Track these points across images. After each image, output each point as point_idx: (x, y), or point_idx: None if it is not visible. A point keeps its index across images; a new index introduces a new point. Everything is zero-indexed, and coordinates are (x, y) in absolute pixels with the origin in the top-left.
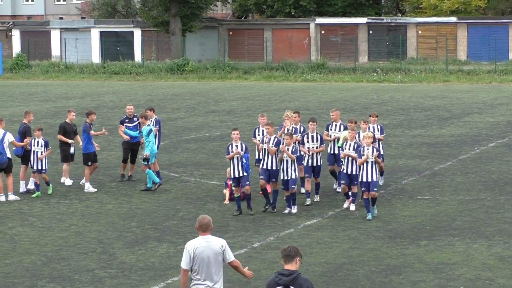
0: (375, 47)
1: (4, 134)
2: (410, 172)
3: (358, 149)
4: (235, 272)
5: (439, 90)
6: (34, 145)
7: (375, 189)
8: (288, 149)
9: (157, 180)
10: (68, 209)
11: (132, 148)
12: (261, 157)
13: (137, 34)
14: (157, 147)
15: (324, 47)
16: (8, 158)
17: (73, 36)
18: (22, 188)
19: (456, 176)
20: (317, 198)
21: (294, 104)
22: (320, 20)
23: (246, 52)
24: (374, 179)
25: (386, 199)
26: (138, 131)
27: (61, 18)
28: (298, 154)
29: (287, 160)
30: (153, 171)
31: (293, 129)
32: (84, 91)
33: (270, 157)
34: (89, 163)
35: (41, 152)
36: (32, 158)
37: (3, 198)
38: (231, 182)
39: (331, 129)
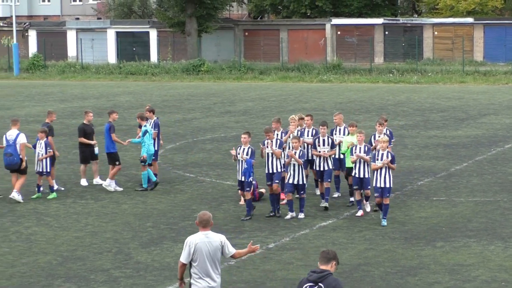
0: (391, 47)
1: (18, 135)
2: (426, 173)
3: (369, 152)
4: (250, 272)
5: (455, 91)
6: (38, 147)
7: (388, 195)
8: (295, 153)
9: (154, 178)
10: (84, 209)
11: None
12: (271, 170)
13: (153, 34)
14: (157, 149)
15: (340, 47)
16: (22, 159)
17: (89, 37)
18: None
19: (472, 177)
20: (325, 204)
21: (310, 105)
22: (336, 21)
23: (262, 53)
24: (388, 185)
25: (402, 200)
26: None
27: (77, 19)
28: (306, 158)
29: (294, 165)
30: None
31: (299, 133)
32: (100, 91)
33: (273, 160)
34: (117, 162)
35: (42, 154)
36: (36, 161)
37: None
38: (238, 187)
39: (335, 134)
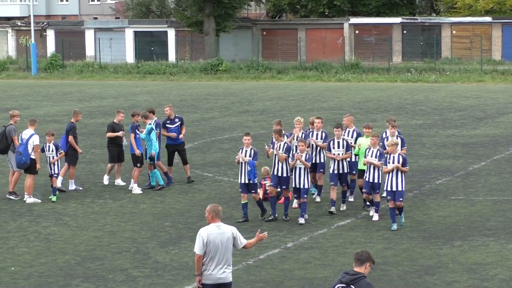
0: (409, 47)
1: (31, 136)
2: (444, 172)
3: (381, 156)
4: (269, 272)
5: (473, 90)
6: (46, 151)
7: (401, 199)
8: (301, 156)
9: (162, 182)
10: (102, 209)
11: (177, 149)
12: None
13: (171, 34)
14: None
15: (358, 47)
16: (32, 159)
17: (107, 36)
18: (71, 186)
19: (490, 177)
20: (343, 207)
21: (328, 104)
22: (354, 20)
23: (280, 52)
24: (400, 188)
25: (420, 199)
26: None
27: (95, 18)
28: (314, 161)
29: (299, 168)
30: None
31: (303, 135)
32: (118, 91)
33: (280, 163)
34: (138, 165)
35: (53, 156)
36: (48, 164)
37: (30, 200)
38: (240, 189)
39: (344, 135)
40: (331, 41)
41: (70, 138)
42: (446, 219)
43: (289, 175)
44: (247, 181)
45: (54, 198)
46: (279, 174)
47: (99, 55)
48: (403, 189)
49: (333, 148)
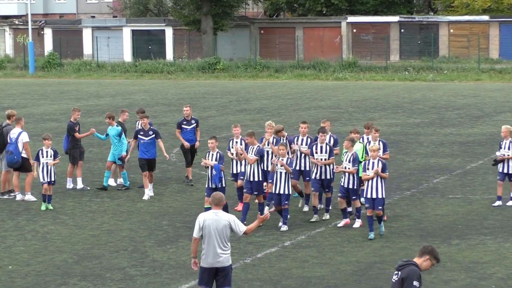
0: (406, 45)
1: (20, 134)
2: (441, 171)
3: (355, 161)
4: (266, 270)
5: (471, 89)
6: (42, 156)
7: (380, 207)
8: (282, 160)
9: (127, 184)
10: (99, 208)
11: (191, 150)
12: (235, 171)
13: (169, 32)
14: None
15: (355, 45)
16: (24, 157)
17: (105, 35)
18: (69, 185)
19: (488, 175)
20: (326, 216)
21: (326, 102)
22: (351, 19)
23: (277, 51)
24: (379, 195)
25: (418, 198)
26: (105, 135)
27: (93, 17)
28: (299, 168)
29: (280, 173)
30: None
31: (287, 140)
32: (115, 89)
33: (252, 168)
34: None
35: (47, 162)
36: (42, 170)
37: (19, 197)
38: (205, 194)
39: None
40: (328, 39)
41: (77, 135)
42: (443, 217)
43: (260, 179)
44: (213, 186)
45: (50, 206)
46: (251, 179)
47: (96, 53)
48: (383, 196)
49: (316, 152)
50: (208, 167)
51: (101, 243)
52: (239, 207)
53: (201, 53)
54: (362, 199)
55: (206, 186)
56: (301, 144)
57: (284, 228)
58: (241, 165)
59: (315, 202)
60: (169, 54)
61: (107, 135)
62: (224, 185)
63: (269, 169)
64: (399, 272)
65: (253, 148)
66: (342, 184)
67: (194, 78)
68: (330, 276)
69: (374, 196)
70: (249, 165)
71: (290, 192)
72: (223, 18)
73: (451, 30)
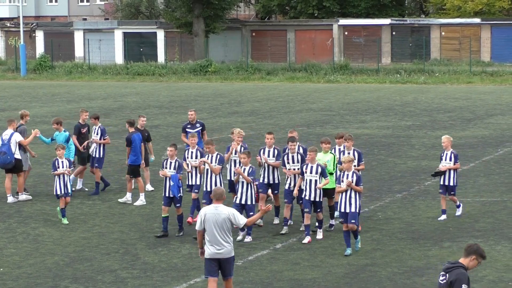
0: (398, 48)
1: (12, 135)
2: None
3: (324, 172)
4: (257, 273)
5: (462, 92)
6: (58, 167)
7: (353, 220)
8: (244, 170)
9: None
10: (91, 210)
11: None
12: (192, 182)
13: (160, 35)
14: (103, 156)
15: (347, 48)
16: (17, 158)
17: (97, 37)
18: (79, 186)
19: (479, 178)
20: (301, 228)
21: (317, 105)
22: (343, 21)
23: (269, 53)
24: (353, 209)
25: (409, 201)
26: (50, 139)
27: (85, 19)
28: (267, 182)
29: (242, 183)
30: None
31: (243, 149)
32: (107, 92)
33: (214, 177)
34: (131, 176)
35: (65, 173)
36: (57, 183)
37: (11, 199)
38: (163, 203)
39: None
40: (320, 42)
41: (74, 137)
42: (435, 220)
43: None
44: (171, 195)
45: (65, 220)
46: (209, 190)
47: (88, 56)
48: (357, 210)
49: (288, 163)
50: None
51: (92, 246)
52: (189, 219)
53: (193, 56)
54: (337, 213)
55: (163, 194)
56: (268, 156)
57: (248, 239)
58: (197, 176)
59: (286, 213)
60: (161, 57)
61: (52, 139)
62: (181, 194)
63: (233, 178)
64: (447, 275)
65: (213, 156)
66: (305, 197)
67: (185, 80)
68: (321, 278)
69: (347, 210)
70: (211, 175)
71: (254, 202)
72: (215, 21)
73: (443, 33)
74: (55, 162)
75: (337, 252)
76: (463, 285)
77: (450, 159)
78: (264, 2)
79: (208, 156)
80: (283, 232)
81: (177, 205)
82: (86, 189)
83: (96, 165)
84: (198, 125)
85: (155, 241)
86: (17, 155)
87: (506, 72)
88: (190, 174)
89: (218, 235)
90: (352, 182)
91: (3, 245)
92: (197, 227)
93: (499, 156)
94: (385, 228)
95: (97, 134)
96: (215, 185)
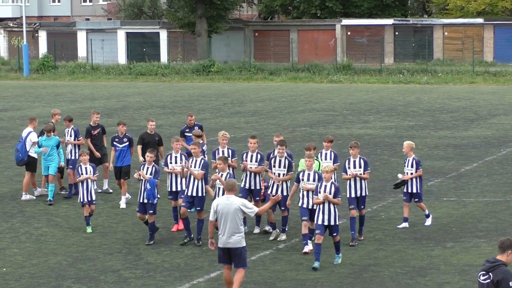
0: (401, 48)
1: (29, 133)
2: (436, 173)
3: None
4: (260, 273)
5: (465, 92)
6: (81, 173)
7: (334, 234)
8: (221, 175)
9: (51, 197)
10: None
11: None
12: (175, 188)
13: (163, 35)
14: (77, 157)
15: (350, 48)
16: (31, 156)
17: (99, 37)
18: (105, 186)
19: (482, 178)
20: (283, 237)
21: (320, 105)
22: (346, 21)
23: (272, 53)
24: (332, 222)
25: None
26: (37, 146)
27: (87, 19)
28: (249, 187)
29: (219, 188)
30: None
31: (231, 152)
32: (110, 92)
33: (196, 182)
34: (127, 177)
35: (91, 180)
36: (80, 190)
37: (28, 197)
38: (137, 209)
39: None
40: (323, 42)
41: (88, 141)
42: (437, 220)
43: (204, 195)
44: (145, 201)
45: (89, 229)
46: (193, 194)
47: (91, 56)
48: (337, 223)
49: (274, 166)
50: (142, 180)
51: (95, 245)
52: (174, 228)
53: (196, 56)
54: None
55: (138, 200)
56: (250, 160)
57: (283, 237)
58: (181, 182)
59: (271, 218)
60: (164, 57)
61: (39, 146)
62: (156, 201)
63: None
64: (490, 274)
65: (197, 161)
66: (304, 206)
67: (188, 80)
68: (324, 278)
69: (326, 222)
70: (193, 179)
71: None
72: (218, 21)
73: (446, 33)
74: (78, 168)
75: (340, 253)
76: (510, 283)
77: (412, 166)
78: (266, 2)
79: (192, 160)
80: (272, 238)
81: (150, 211)
82: (111, 191)
83: (71, 167)
84: (196, 128)
85: (158, 241)
86: (32, 154)
87: (509, 72)
88: (171, 180)
89: (229, 225)
90: (330, 193)
91: (6, 245)
92: (211, 217)
93: (502, 156)
94: (388, 228)
95: (70, 135)
96: (197, 190)
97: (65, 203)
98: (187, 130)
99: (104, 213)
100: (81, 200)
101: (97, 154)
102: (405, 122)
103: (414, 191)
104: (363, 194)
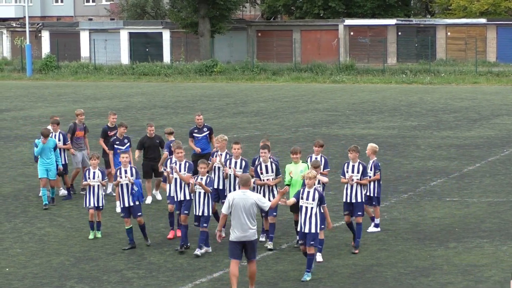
0: (404, 48)
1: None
2: (439, 173)
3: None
4: (263, 273)
5: (468, 92)
6: (89, 178)
7: (312, 242)
8: (201, 179)
9: (46, 201)
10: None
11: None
12: (172, 193)
13: (166, 35)
14: (65, 162)
15: (352, 48)
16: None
17: (102, 37)
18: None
19: (485, 178)
20: (270, 245)
21: (323, 105)
22: (349, 22)
23: (275, 53)
24: (313, 230)
25: (415, 201)
26: (34, 146)
27: (90, 19)
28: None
29: (199, 193)
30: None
31: (228, 156)
32: (113, 92)
33: (183, 185)
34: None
35: (98, 185)
36: (87, 194)
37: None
38: (121, 214)
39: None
40: (326, 42)
41: (100, 140)
42: (440, 220)
43: (192, 198)
44: (131, 204)
45: (98, 234)
46: (181, 198)
47: (94, 56)
48: (317, 231)
49: (261, 173)
50: (121, 184)
51: (98, 245)
52: (170, 235)
53: (199, 56)
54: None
55: (121, 205)
56: (235, 167)
57: (198, 252)
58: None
59: (265, 225)
60: (167, 57)
61: (37, 146)
62: (141, 202)
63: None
64: None
65: (181, 164)
66: (302, 230)
67: (191, 80)
68: (327, 279)
69: (306, 230)
70: (181, 183)
71: (211, 214)
72: (221, 21)
73: (449, 33)
74: (86, 172)
75: (342, 253)
76: None
77: (371, 169)
78: (269, 2)
79: (176, 163)
80: (267, 245)
81: (138, 214)
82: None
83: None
84: (205, 129)
85: (161, 241)
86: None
87: None
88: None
89: (245, 218)
90: (314, 200)
91: (9, 245)
92: (224, 210)
93: (505, 157)
94: (390, 228)
95: (59, 140)
96: (184, 194)
97: (68, 203)
98: (196, 130)
99: (106, 213)
100: (87, 205)
101: (110, 152)
102: (408, 122)
103: (371, 194)
104: (359, 200)
